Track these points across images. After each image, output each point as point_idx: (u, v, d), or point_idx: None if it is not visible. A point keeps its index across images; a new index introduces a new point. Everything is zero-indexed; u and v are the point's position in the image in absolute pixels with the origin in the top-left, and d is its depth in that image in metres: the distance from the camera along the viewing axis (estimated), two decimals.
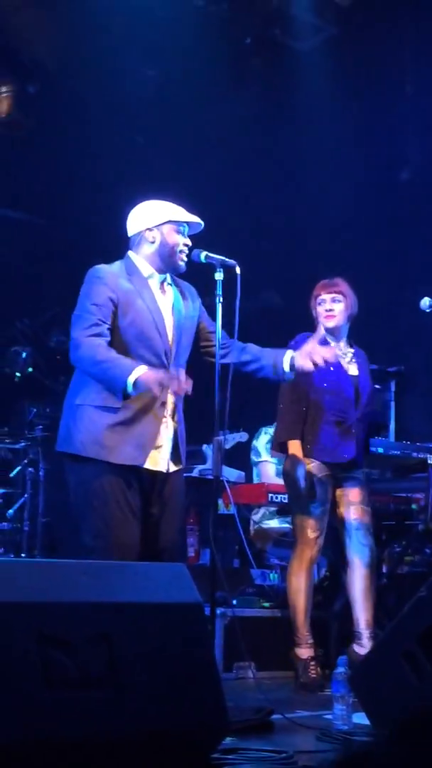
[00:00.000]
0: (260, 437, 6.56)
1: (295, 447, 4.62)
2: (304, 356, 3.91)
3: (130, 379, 3.55)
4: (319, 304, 4.77)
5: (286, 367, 3.92)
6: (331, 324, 4.72)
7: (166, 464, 3.79)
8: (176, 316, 3.89)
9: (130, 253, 3.95)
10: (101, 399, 3.70)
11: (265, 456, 6.48)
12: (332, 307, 4.73)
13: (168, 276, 3.96)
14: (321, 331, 4.28)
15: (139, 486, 3.72)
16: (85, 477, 3.69)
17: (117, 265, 3.90)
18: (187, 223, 3.93)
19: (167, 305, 3.90)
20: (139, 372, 3.56)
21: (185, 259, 3.90)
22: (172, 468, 3.82)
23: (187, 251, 3.90)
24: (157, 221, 3.90)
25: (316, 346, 3.90)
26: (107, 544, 3.60)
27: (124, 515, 3.64)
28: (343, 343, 4.80)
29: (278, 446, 4.81)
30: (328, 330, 4.73)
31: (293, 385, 4.66)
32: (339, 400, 4.66)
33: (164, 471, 3.79)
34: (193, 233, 3.98)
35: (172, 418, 3.82)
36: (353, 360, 4.79)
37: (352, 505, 4.71)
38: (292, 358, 3.93)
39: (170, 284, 3.97)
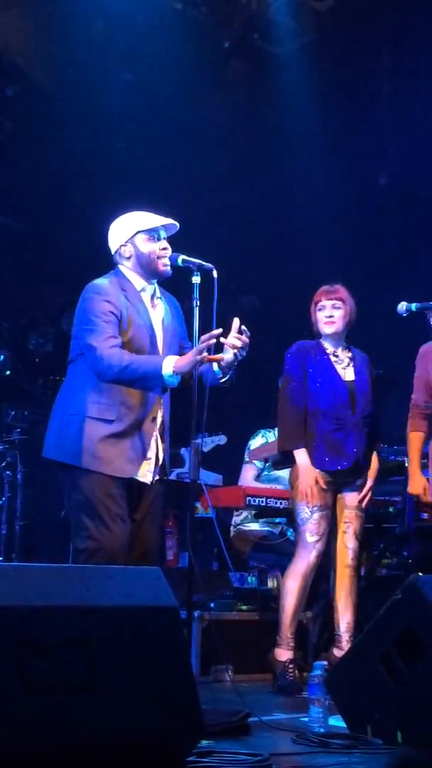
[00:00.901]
0: (255, 438, 6.55)
1: (302, 455, 4.63)
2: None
3: (166, 370, 3.63)
4: (320, 310, 4.79)
5: (215, 367, 3.92)
6: (330, 330, 4.76)
7: (152, 476, 3.86)
8: (165, 331, 3.95)
9: (119, 267, 3.98)
10: (96, 411, 3.76)
11: (254, 460, 6.49)
12: (332, 313, 4.76)
13: (157, 289, 4.00)
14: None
15: (127, 494, 3.79)
16: (79, 485, 3.76)
17: (110, 280, 3.92)
18: (162, 226, 3.93)
19: (158, 319, 3.95)
20: (171, 362, 3.64)
21: (167, 263, 3.91)
22: (156, 476, 3.90)
23: (166, 254, 3.91)
24: (127, 235, 3.94)
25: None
26: (97, 547, 3.68)
27: (113, 521, 3.71)
28: (340, 349, 4.83)
29: (281, 455, 4.83)
30: (327, 336, 4.77)
31: (290, 393, 4.69)
32: (335, 406, 4.68)
33: (149, 483, 3.85)
34: (171, 234, 3.98)
35: (160, 432, 3.87)
36: (350, 365, 4.81)
37: (346, 508, 4.76)
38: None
39: (159, 298, 4.01)
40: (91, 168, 7.72)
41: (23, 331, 8.95)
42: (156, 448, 3.87)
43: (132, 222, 3.95)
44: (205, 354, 3.67)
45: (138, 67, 7.47)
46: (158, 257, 3.90)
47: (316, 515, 4.61)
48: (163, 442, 3.89)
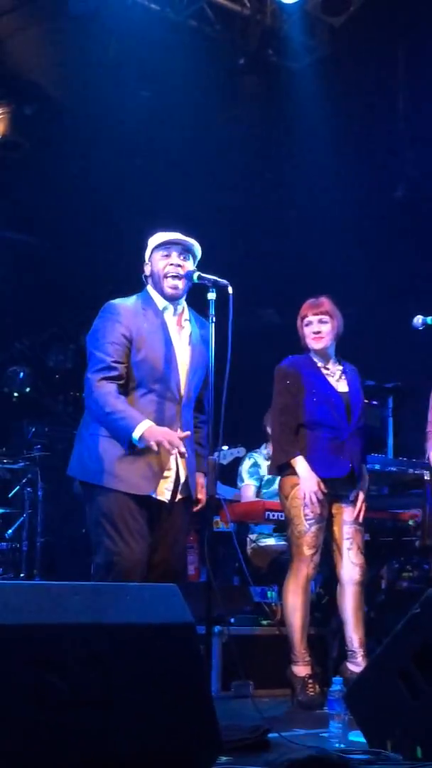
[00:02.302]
0: (244, 462, 6.60)
1: (301, 463, 4.62)
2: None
3: (135, 434, 3.70)
4: (306, 325, 4.79)
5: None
6: (318, 346, 4.76)
7: (170, 494, 3.88)
8: (191, 353, 3.97)
9: (147, 287, 4.04)
10: None
11: (247, 481, 6.51)
12: (320, 328, 4.75)
13: (186, 310, 4.04)
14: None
15: (147, 511, 3.82)
16: (98, 502, 3.82)
17: (132, 300, 3.99)
18: (174, 242, 3.96)
19: (183, 340, 3.98)
20: (144, 427, 3.69)
21: (175, 283, 3.93)
22: (178, 496, 3.91)
23: (178, 272, 3.93)
24: (148, 253, 4.02)
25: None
26: (115, 562, 3.71)
27: (131, 536, 3.75)
28: (331, 362, 4.83)
29: (277, 469, 4.81)
30: (316, 351, 4.77)
31: (282, 407, 4.70)
32: (330, 417, 4.67)
33: (167, 501, 3.86)
34: (192, 253, 4.01)
35: (180, 451, 3.87)
36: (342, 377, 4.81)
37: (345, 524, 4.72)
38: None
39: (188, 320, 4.04)
40: (109, 185, 7.77)
41: (43, 347, 9.01)
42: (176, 465, 3.88)
43: (151, 241, 4.02)
44: (174, 451, 3.73)
45: (154, 85, 7.51)
46: (165, 275, 3.93)
47: (314, 528, 4.60)
48: (183, 459, 3.89)
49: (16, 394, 8.51)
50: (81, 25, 7.07)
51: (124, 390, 3.85)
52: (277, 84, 7.69)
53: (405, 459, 5.84)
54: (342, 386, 4.78)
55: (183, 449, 3.75)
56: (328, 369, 4.79)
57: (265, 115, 7.93)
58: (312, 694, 4.53)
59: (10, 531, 7.07)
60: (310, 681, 4.57)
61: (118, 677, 2.45)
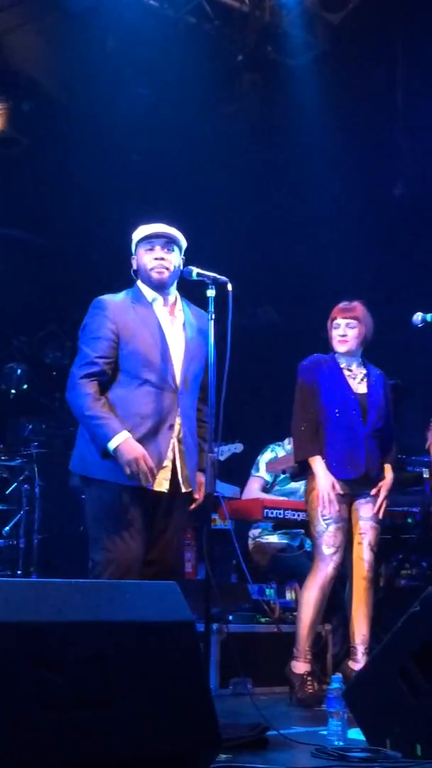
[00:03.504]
0: (265, 453, 6.57)
1: (318, 463, 4.63)
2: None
3: (111, 445, 3.71)
4: (335, 327, 4.81)
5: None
6: (343, 349, 4.78)
7: (168, 484, 3.85)
8: (186, 341, 3.97)
9: (137, 281, 4.05)
10: None
11: (262, 473, 6.49)
12: (346, 332, 4.77)
13: (179, 300, 4.04)
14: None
15: (145, 505, 3.81)
16: (97, 498, 3.83)
17: (122, 295, 4.01)
18: (157, 235, 3.97)
19: (176, 329, 3.98)
20: (120, 440, 3.70)
21: (161, 270, 3.93)
22: (182, 489, 3.89)
23: (162, 264, 3.94)
24: (133, 248, 4.04)
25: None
26: (112, 559, 3.71)
27: (130, 535, 3.74)
28: (355, 365, 4.83)
29: (297, 466, 4.82)
30: (341, 354, 4.77)
31: (304, 405, 4.71)
32: (346, 417, 4.68)
33: (165, 491, 3.84)
34: (177, 244, 4.00)
35: (179, 440, 3.88)
36: (364, 380, 4.81)
37: (361, 520, 4.74)
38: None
39: (181, 310, 4.04)
40: (107, 182, 7.76)
41: (40, 344, 8.99)
42: (173, 456, 3.87)
43: (135, 234, 4.04)
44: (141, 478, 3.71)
45: (152, 81, 7.50)
46: (151, 269, 3.95)
47: (332, 527, 4.60)
48: (182, 449, 3.89)
49: (13, 391, 8.49)
50: (79, 22, 7.06)
51: (119, 382, 3.85)
52: (275, 81, 7.68)
53: (404, 456, 5.83)
54: (361, 388, 4.78)
55: (150, 481, 3.73)
56: (350, 371, 4.80)
57: (263, 111, 7.92)
58: (310, 691, 4.53)
59: (7, 528, 7.06)
60: (309, 678, 4.58)
61: (117, 675, 2.45)
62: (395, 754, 3.06)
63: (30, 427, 7.75)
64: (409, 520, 5.62)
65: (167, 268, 3.94)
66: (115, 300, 3.96)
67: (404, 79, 7.60)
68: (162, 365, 3.87)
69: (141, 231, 4.01)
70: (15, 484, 7.22)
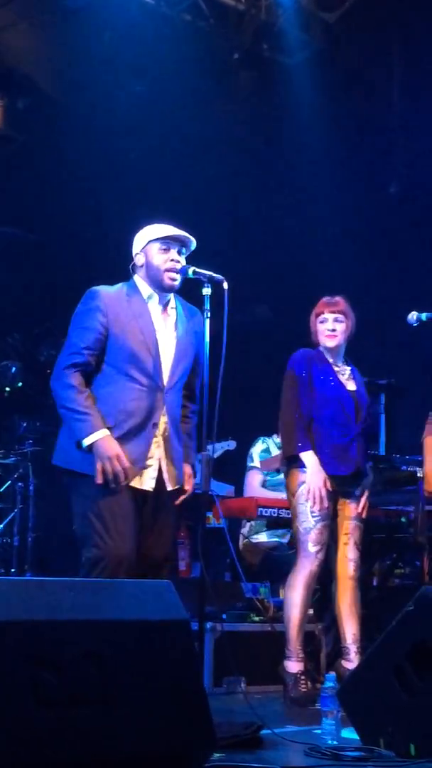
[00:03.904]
0: (256, 444, 6.57)
1: (310, 457, 4.61)
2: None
3: (86, 441, 3.69)
4: (321, 322, 4.78)
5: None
6: (332, 344, 4.75)
7: (153, 483, 3.83)
8: (177, 339, 3.95)
9: (133, 276, 4.01)
10: None
11: (257, 462, 6.49)
12: (335, 326, 4.75)
13: (172, 298, 4.01)
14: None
15: (133, 502, 3.78)
16: (83, 491, 3.78)
17: (117, 287, 3.97)
18: (174, 238, 3.94)
19: (168, 328, 3.96)
20: (97, 437, 3.68)
21: (175, 276, 3.90)
22: (168, 487, 3.87)
23: (176, 268, 3.90)
24: (142, 244, 3.98)
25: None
26: (101, 556, 3.68)
27: (118, 532, 3.70)
28: (340, 362, 4.83)
29: (285, 460, 4.80)
30: (328, 349, 4.76)
31: (295, 399, 4.69)
32: (340, 415, 4.68)
33: (150, 490, 3.82)
34: (190, 250, 4.00)
35: (164, 438, 3.86)
36: (350, 377, 4.81)
37: (346, 519, 4.73)
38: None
39: (174, 308, 4.01)
40: (102, 179, 7.75)
41: (35, 342, 8.97)
42: (158, 454, 3.84)
43: (148, 231, 3.98)
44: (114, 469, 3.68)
45: (147, 79, 7.49)
46: (165, 270, 3.90)
47: (319, 525, 4.59)
48: (167, 448, 3.86)
49: (7, 389, 8.48)
50: (75, 19, 7.06)
51: (104, 376, 3.83)
52: (271, 79, 7.69)
53: (397, 456, 5.84)
54: (351, 385, 4.78)
55: (121, 481, 3.70)
56: (338, 367, 4.80)
57: (259, 110, 7.93)
58: (304, 690, 4.53)
59: (1, 526, 7.06)
60: (302, 677, 4.57)
61: (112, 674, 2.45)
62: (389, 753, 3.06)
63: (24, 425, 7.74)
64: (403, 519, 5.62)
65: (179, 273, 3.91)
66: (109, 291, 3.92)
67: (400, 77, 7.62)
68: (150, 362, 3.84)
69: (158, 230, 3.96)
70: (9, 482, 7.22)
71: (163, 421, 3.86)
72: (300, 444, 4.63)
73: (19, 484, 7.16)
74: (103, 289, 3.93)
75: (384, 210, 7.91)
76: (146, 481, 3.81)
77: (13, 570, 6.92)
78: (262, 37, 7.46)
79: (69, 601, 2.50)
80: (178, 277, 3.91)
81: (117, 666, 2.47)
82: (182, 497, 3.98)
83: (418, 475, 5.43)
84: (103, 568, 3.67)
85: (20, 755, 2.23)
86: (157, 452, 3.84)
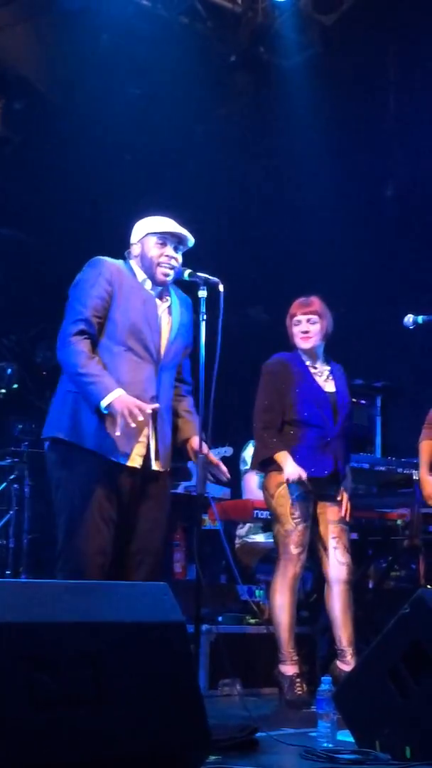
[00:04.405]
0: (248, 448, 6.57)
1: (285, 457, 4.59)
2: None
3: (104, 402, 3.60)
4: (295, 324, 4.78)
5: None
6: (306, 345, 4.75)
7: (142, 460, 3.76)
8: (172, 320, 3.93)
9: (129, 260, 3.99)
10: None
11: (251, 466, 6.49)
12: (308, 328, 4.74)
13: (166, 288, 4.00)
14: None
15: (119, 488, 3.70)
16: (67, 474, 3.71)
17: (120, 262, 3.94)
18: (173, 234, 3.93)
19: (162, 308, 3.94)
20: (115, 395, 3.60)
21: (167, 272, 3.89)
22: (153, 467, 3.78)
23: (170, 263, 3.89)
24: (140, 235, 3.96)
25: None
26: (77, 548, 3.63)
27: (98, 521, 3.64)
28: (319, 362, 4.82)
29: (260, 465, 4.79)
30: (304, 351, 4.76)
31: (268, 404, 4.69)
32: (316, 416, 4.66)
33: (139, 467, 3.75)
34: (186, 248, 3.98)
35: (153, 416, 3.78)
36: (329, 377, 4.80)
37: (331, 523, 4.71)
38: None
39: (169, 295, 4.00)
40: (98, 181, 7.75)
41: (31, 344, 8.97)
42: (150, 431, 3.77)
43: (147, 224, 3.97)
44: (137, 415, 3.60)
45: (144, 81, 7.51)
46: (158, 263, 3.89)
47: (300, 526, 4.59)
48: (157, 425, 3.79)
49: (3, 391, 8.47)
50: (71, 21, 7.06)
51: (101, 346, 3.78)
52: (268, 81, 7.70)
53: (393, 458, 5.85)
54: (329, 386, 4.77)
55: (148, 412, 3.63)
56: (315, 368, 4.79)
57: (255, 112, 7.93)
58: (299, 693, 4.53)
59: None
60: (298, 680, 4.57)
61: (108, 676, 2.44)
62: (385, 755, 3.06)
63: (20, 426, 7.73)
64: (399, 522, 5.62)
65: (173, 269, 3.90)
66: (114, 261, 3.90)
67: (396, 80, 7.64)
68: (147, 336, 3.80)
69: (157, 223, 3.95)
70: (5, 484, 7.20)
71: (156, 396, 3.80)
72: (273, 447, 4.63)
73: (15, 486, 7.14)
74: (108, 259, 3.89)
75: (381, 212, 7.91)
76: (134, 458, 3.73)
77: (8, 572, 6.90)
78: (259, 39, 7.47)
79: (65, 603, 2.49)
80: (171, 272, 3.90)
81: (113, 668, 2.47)
82: (210, 457, 3.87)
83: (414, 477, 5.43)
84: (77, 561, 3.61)
85: (15, 757, 2.23)
86: (146, 430, 3.77)
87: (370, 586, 5.87)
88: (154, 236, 3.93)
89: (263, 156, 8.03)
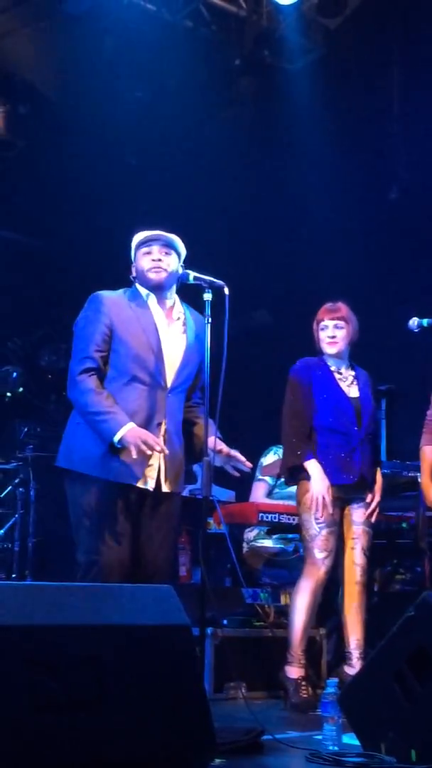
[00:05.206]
0: (268, 455, 6.55)
1: (313, 466, 4.61)
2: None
3: (116, 438, 3.70)
4: (322, 329, 4.79)
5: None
6: (333, 351, 4.76)
7: (154, 483, 3.85)
8: (186, 343, 3.99)
9: (135, 284, 4.06)
10: None
11: (265, 476, 6.47)
12: (335, 333, 4.75)
13: (178, 302, 4.05)
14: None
15: (130, 506, 3.80)
16: (81, 495, 3.81)
17: (120, 292, 4.03)
18: (153, 239, 3.98)
19: (174, 330, 3.99)
20: (126, 430, 3.69)
21: (158, 270, 3.94)
22: (164, 488, 3.87)
23: (158, 265, 3.94)
24: (132, 254, 4.06)
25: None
26: (96, 562, 3.70)
27: (113, 536, 3.73)
28: (344, 367, 4.83)
29: (288, 471, 4.80)
30: (330, 356, 4.77)
31: (295, 410, 4.70)
32: (340, 422, 4.67)
33: (151, 489, 3.83)
34: (174, 249, 4.01)
35: (164, 439, 3.87)
36: (354, 382, 4.81)
37: (354, 524, 4.73)
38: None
39: (183, 312, 4.05)
40: (104, 185, 7.76)
41: (35, 347, 8.98)
42: (159, 455, 3.84)
43: (134, 240, 4.06)
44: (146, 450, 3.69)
45: (149, 85, 7.51)
46: (148, 270, 3.96)
47: (324, 531, 4.60)
48: (168, 449, 3.86)
49: (8, 394, 8.49)
50: (76, 25, 7.07)
51: (107, 378, 3.86)
52: (272, 85, 7.69)
53: (398, 461, 5.83)
54: (353, 392, 4.77)
55: (159, 450, 3.73)
56: (340, 374, 4.79)
57: (260, 116, 7.94)
58: (305, 696, 4.53)
59: (1, 531, 7.05)
60: (303, 683, 4.57)
61: (112, 678, 2.44)
62: (390, 759, 3.06)
63: (25, 430, 7.75)
64: (404, 525, 5.62)
65: (164, 269, 3.94)
66: (111, 295, 3.97)
67: (400, 83, 7.63)
68: (152, 364, 3.87)
69: (139, 236, 4.03)
70: (10, 487, 7.21)
71: (164, 422, 3.89)
72: (303, 454, 4.64)
73: (20, 489, 7.15)
74: (105, 293, 3.98)
75: (385, 215, 7.91)
76: (148, 481, 3.83)
77: (13, 575, 6.91)
78: (263, 43, 7.46)
79: (69, 606, 2.50)
80: (162, 271, 3.95)
81: (116, 670, 2.47)
82: (230, 451, 3.95)
83: (419, 480, 5.42)
84: (96, 572, 3.69)
85: (17, 759, 2.23)
86: (158, 453, 3.84)
87: (375, 589, 5.87)
88: (140, 248, 4.02)
89: (268, 159, 8.03)
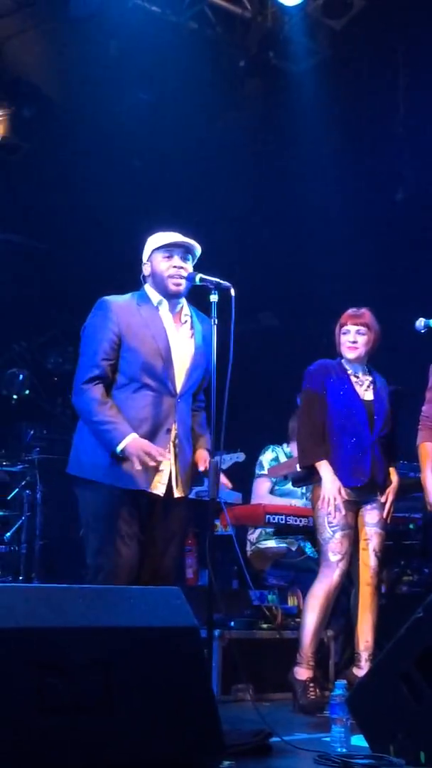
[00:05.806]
0: (266, 452, 6.56)
1: (325, 467, 4.62)
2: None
3: (118, 448, 3.72)
4: (344, 333, 4.79)
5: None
6: (352, 355, 4.77)
7: (164, 488, 3.86)
8: (195, 348, 3.98)
9: (145, 285, 4.04)
10: None
11: (266, 470, 6.48)
12: (356, 339, 4.76)
13: (185, 306, 4.03)
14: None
15: (140, 510, 3.82)
16: (91, 500, 3.83)
17: (127, 297, 4.00)
18: (177, 244, 3.95)
19: (182, 335, 3.98)
20: (128, 441, 3.71)
21: (179, 282, 3.92)
22: (176, 494, 3.89)
23: (180, 274, 3.92)
24: (147, 253, 4.02)
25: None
26: (106, 565, 3.71)
27: (123, 539, 3.74)
28: (362, 372, 4.82)
29: (305, 474, 4.80)
30: (348, 360, 4.77)
31: (310, 410, 4.70)
32: (352, 424, 4.68)
33: (161, 495, 3.84)
34: (196, 256, 4.01)
35: (174, 444, 3.88)
36: (370, 387, 4.80)
37: (367, 525, 4.74)
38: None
39: (189, 316, 4.04)
40: (109, 187, 7.76)
41: (42, 350, 8.99)
42: (170, 460, 3.86)
43: (152, 240, 4.02)
44: (148, 461, 3.70)
45: (154, 87, 7.51)
46: (168, 276, 3.92)
47: (338, 534, 4.60)
48: (177, 454, 3.88)
49: (15, 397, 8.50)
50: (81, 27, 7.07)
51: (117, 385, 3.86)
52: (277, 86, 7.69)
53: (405, 462, 5.81)
54: (368, 395, 4.78)
55: (159, 461, 3.74)
56: (357, 377, 4.79)
57: (265, 117, 7.94)
58: (313, 698, 4.52)
59: (8, 534, 7.06)
60: (311, 685, 4.57)
61: (120, 680, 2.44)
62: (399, 760, 3.05)
63: (31, 432, 7.76)
64: (411, 526, 5.60)
65: (185, 278, 3.92)
66: (119, 301, 3.95)
67: (406, 84, 7.62)
68: (162, 370, 3.87)
69: (160, 238, 3.98)
70: (17, 489, 7.22)
71: (174, 427, 3.90)
72: (314, 455, 4.65)
73: (27, 491, 7.16)
74: (113, 299, 3.95)
75: (391, 216, 7.90)
76: (158, 486, 3.84)
77: (20, 578, 6.92)
78: (268, 44, 7.45)
79: (76, 608, 2.50)
80: (183, 282, 3.93)
81: (124, 673, 2.46)
82: (203, 466, 3.94)
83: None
84: (105, 575, 3.70)
85: (24, 760, 2.23)
86: (168, 458, 3.86)
87: (383, 590, 5.85)
88: (160, 251, 3.97)
89: (273, 161, 8.03)
